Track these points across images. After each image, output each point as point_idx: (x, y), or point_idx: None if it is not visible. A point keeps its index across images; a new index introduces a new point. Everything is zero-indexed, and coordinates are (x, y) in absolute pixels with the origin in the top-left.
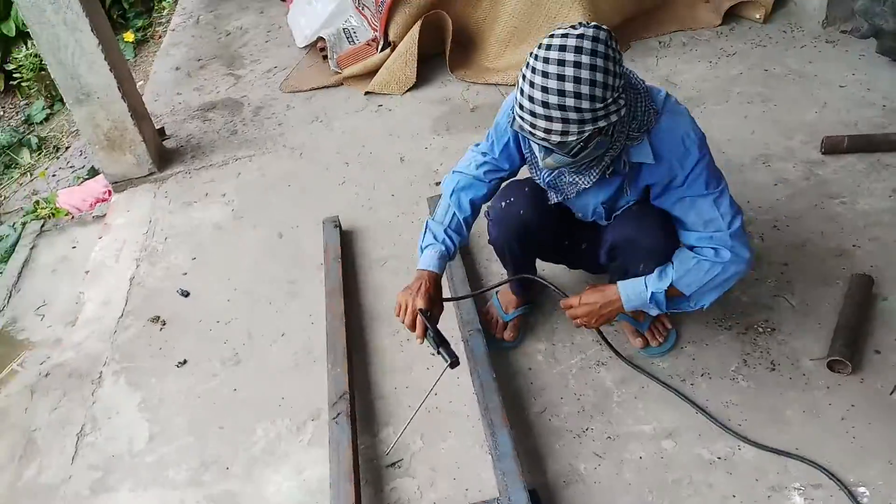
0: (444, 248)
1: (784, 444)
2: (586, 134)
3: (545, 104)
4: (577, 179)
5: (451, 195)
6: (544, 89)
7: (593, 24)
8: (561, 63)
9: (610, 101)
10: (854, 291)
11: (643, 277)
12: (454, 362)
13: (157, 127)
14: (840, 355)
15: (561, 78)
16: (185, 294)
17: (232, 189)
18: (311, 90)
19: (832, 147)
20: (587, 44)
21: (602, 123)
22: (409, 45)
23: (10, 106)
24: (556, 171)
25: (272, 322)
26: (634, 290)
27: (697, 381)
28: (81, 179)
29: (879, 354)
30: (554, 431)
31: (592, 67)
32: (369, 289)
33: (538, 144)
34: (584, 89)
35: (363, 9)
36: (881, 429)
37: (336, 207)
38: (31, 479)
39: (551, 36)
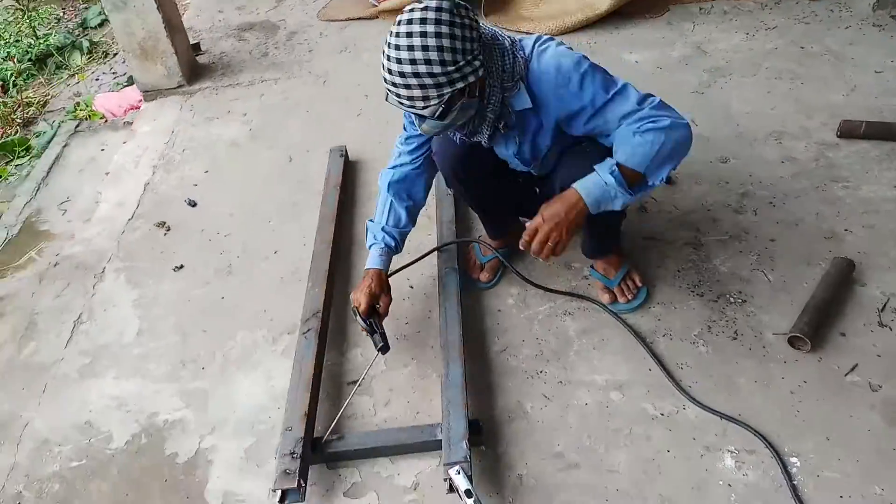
0: (384, 246)
1: (729, 409)
2: (446, 97)
3: (402, 74)
4: (475, 139)
5: (388, 190)
6: (398, 61)
7: None
8: (409, 35)
9: (462, 63)
10: (833, 273)
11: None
12: (382, 348)
13: (193, 42)
14: (801, 332)
15: (410, 48)
16: (193, 204)
17: (253, 109)
18: (346, 20)
19: (848, 131)
20: (431, 15)
21: (459, 85)
22: None
23: (72, 9)
24: (465, 132)
25: (268, 240)
26: (592, 182)
27: (658, 339)
28: (121, 86)
29: (844, 337)
30: (509, 370)
31: (437, 35)
32: (362, 218)
33: (410, 114)
34: (433, 55)
35: None
36: (827, 407)
37: (348, 137)
38: (28, 356)
39: (402, 15)
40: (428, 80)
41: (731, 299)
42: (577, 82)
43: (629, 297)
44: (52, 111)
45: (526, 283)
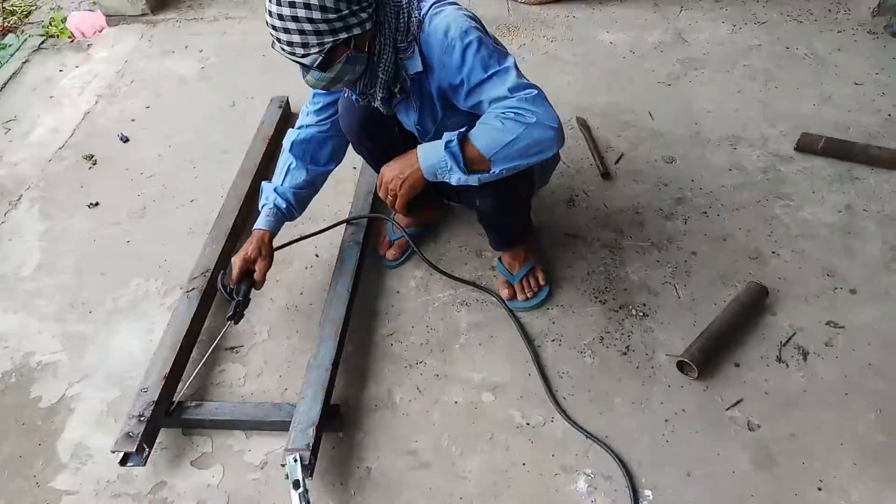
0: (274, 208)
1: (598, 428)
2: (327, 46)
3: (280, 17)
4: (371, 103)
5: (290, 150)
6: (278, 3)
7: None
8: None
9: (346, 12)
10: (743, 298)
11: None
12: (233, 316)
13: None
14: (690, 357)
15: None
16: (125, 140)
17: (211, 46)
18: None
19: (807, 145)
20: None
21: (343, 35)
22: None
23: None
24: (357, 91)
25: (189, 186)
26: (432, 148)
27: (546, 343)
28: (97, 6)
29: (737, 368)
30: (390, 357)
31: None
32: None
33: (291, 61)
34: (313, 1)
35: None
36: (698, 440)
37: (295, 88)
38: None
39: None
40: (307, 26)
41: (633, 311)
42: (460, 53)
43: (528, 294)
44: (31, 24)
45: (430, 267)
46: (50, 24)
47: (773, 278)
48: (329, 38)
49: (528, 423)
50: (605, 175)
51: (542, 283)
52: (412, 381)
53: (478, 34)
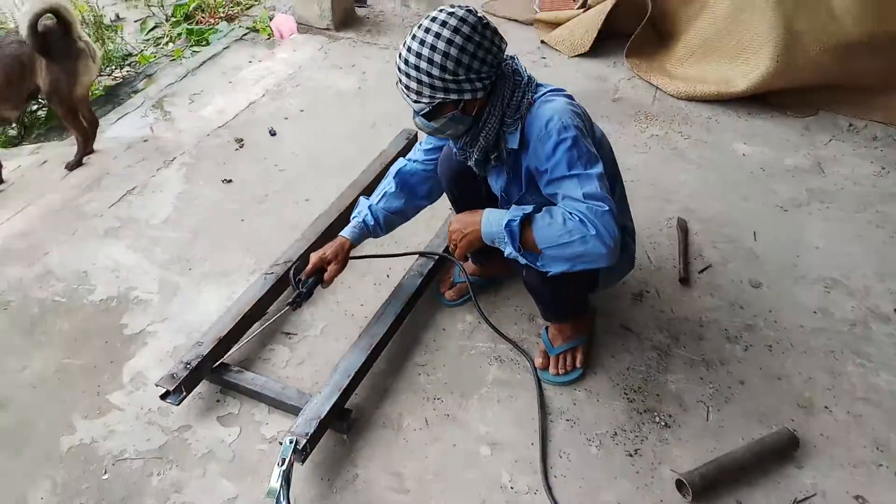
0: (362, 222)
1: None
2: (437, 101)
3: (406, 62)
4: (467, 161)
5: (394, 177)
6: (408, 49)
7: (468, 7)
8: (427, 31)
9: (462, 77)
10: (768, 441)
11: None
12: (293, 304)
13: None
14: (689, 480)
15: (422, 43)
16: (273, 133)
17: (373, 70)
18: (504, 18)
19: None
20: (453, 21)
21: (452, 96)
22: (599, 12)
23: None
24: (458, 146)
25: (309, 186)
26: (494, 217)
27: (560, 421)
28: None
29: None
30: (414, 385)
31: (449, 42)
32: None
33: (407, 102)
34: (437, 58)
35: None
36: None
37: None
38: (81, 203)
39: (435, 11)
40: (424, 78)
41: (657, 419)
42: (553, 145)
43: (560, 371)
44: (247, 16)
45: (481, 316)
46: (258, 20)
47: (815, 433)
48: (440, 95)
49: (511, 488)
50: (684, 280)
51: (578, 365)
52: (424, 412)
53: (575, 133)
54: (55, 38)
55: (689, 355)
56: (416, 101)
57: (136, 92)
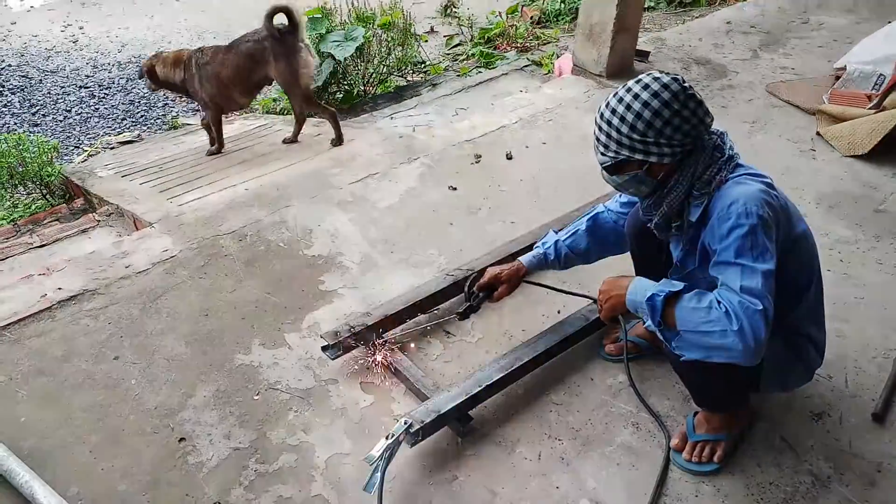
0: (542, 253)
1: None
2: (621, 157)
3: (602, 115)
4: (647, 222)
5: (587, 220)
6: (607, 105)
7: (675, 76)
8: (628, 90)
9: (651, 140)
10: None
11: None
12: (461, 315)
13: (645, 49)
14: None
15: (620, 101)
16: (509, 157)
17: None
18: (786, 102)
19: None
20: (655, 86)
21: (638, 156)
22: (892, 116)
23: None
24: (644, 207)
25: (518, 210)
26: (641, 286)
27: None
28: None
29: None
30: (542, 419)
31: (645, 104)
32: None
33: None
34: (629, 117)
35: None
36: None
37: None
38: (330, 175)
39: (644, 75)
40: (613, 133)
41: None
42: (728, 228)
43: (695, 458)
44: (540, 51)
45: (629, 380)
46: (545, 56)
47: None
48: (624, 153)
49: None
50: (878, 417)
51: (715, 459)
52: (541, 447)
53: (755, 222)
54: (285, 35)
55: (850, 497)
56: (602, 154)
57: (416, 95)
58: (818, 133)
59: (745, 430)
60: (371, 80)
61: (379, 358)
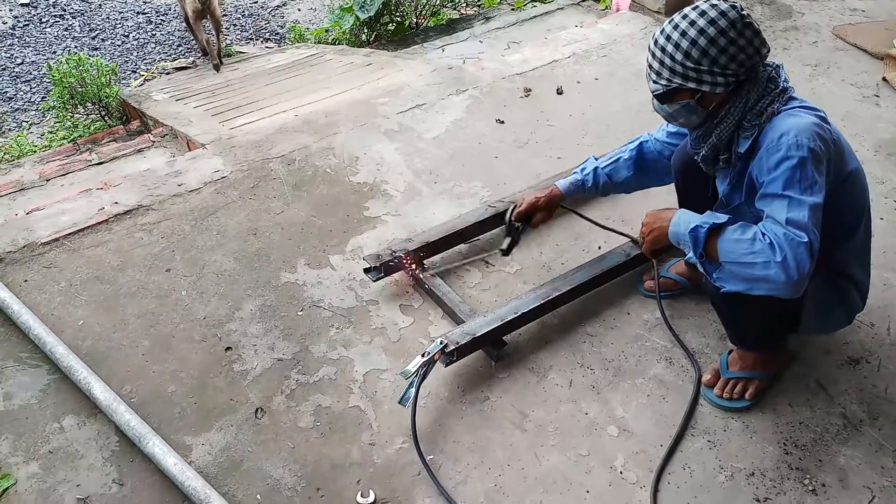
0: (580, 179)
1: None
2: (673, 85)
3: (656, 41)
4: (695, 154)
5: (632, 148)
6: (662, 31)
7: (734, 3)
8: (684, 17)
9: (704, 68)
10: None
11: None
12: (504, 251)
13: None
14: None
15: (675, 27)
16: (560, 92)
17: None
18: (853, 45)
19: None
20: (712, 12)
21: (689, 84)
22: None
23: None
24: (693, 139)
25: (566, 146)
26: (685, 218)
27: (700, 439)
28: None
29: None
30: (575, 348)
31: (701, 31)
32: None
33: (647, 81)
34: (683, 43)
35: None
36: None
37: None
38: (378, 104)
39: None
40: (666, 60)
41: (807, 482)
42: (777, 160)
43: (726, 395)
44: None
45: (663, 316)
46: None
47: None
48: (677, 80)
49: (620, 472)
50: None
51: (747, 396)
52: (572, 374)
53: (805, 154)
54: None
55: (882, 441)
56: (654, 82)
57: (468, 28)
58: (884, 79)
59: (778, 372)
60: (423, 11)
61: (419, 279)
